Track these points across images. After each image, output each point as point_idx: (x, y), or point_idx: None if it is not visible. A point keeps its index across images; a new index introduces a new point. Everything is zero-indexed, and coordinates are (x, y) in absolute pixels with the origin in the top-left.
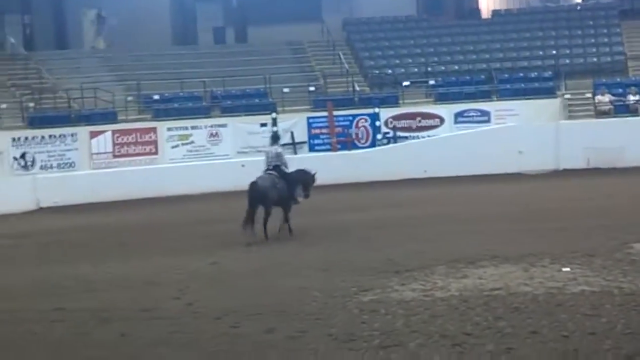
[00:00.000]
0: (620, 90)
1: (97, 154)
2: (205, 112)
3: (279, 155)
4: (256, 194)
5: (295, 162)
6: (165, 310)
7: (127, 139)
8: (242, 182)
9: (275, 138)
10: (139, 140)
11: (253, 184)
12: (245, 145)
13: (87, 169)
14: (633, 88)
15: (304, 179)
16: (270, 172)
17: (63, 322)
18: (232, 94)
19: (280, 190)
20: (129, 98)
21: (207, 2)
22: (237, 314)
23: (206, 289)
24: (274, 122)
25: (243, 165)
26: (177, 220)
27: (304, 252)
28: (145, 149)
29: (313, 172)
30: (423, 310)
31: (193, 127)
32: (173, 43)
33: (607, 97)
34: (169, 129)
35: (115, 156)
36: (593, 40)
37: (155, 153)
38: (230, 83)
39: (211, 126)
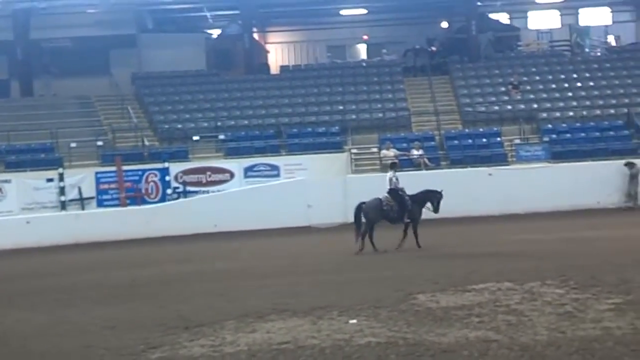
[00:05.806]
0: (405, 145)
1: None
2: None
3: (390, 180)
4: (357, 213)
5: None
6: None
7: None
8: (27, 239)
9: (392, 165)
10: None
11: (359, 205)
12: (31, 202)
13: None
14: (417, 143)
15: (426, 198)
16: (387, 194)
17: None
18: (16, 149)
19: (386, 211)
20: None
21: None
22: None
23: None
24: (61, 178)
25: (28, 222)
26: None
27: (90, 310)
28: None
29: (439, 190)
30: None
31: None
32: None
33: (392, 152)
34: None
35: None
36: (378, 97)
37: None
38: (15, 137)
39: None
